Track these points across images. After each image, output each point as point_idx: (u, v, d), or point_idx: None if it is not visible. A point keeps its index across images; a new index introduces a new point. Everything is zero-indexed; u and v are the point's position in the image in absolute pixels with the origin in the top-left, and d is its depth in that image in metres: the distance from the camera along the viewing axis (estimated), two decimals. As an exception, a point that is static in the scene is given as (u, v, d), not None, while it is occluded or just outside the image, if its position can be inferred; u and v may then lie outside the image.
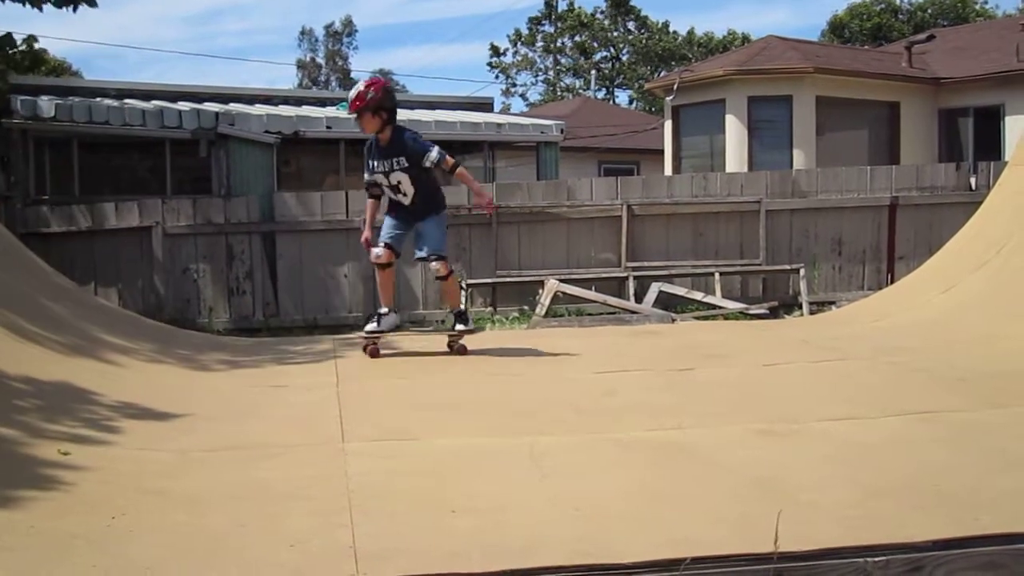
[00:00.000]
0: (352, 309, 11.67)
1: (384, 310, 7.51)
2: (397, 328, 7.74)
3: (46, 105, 12.92)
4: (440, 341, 7.73)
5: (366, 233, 7.61)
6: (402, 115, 16.17)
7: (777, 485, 3.91)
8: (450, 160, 7.18)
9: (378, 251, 7.38)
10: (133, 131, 13.46)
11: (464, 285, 11.55)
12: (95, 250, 11.44)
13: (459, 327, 7.52)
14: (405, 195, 7.28)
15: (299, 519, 3.59)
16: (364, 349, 7.47)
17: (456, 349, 7.55)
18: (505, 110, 46.64)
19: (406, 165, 7.17)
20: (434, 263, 7.40)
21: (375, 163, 7.30)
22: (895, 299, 9.09)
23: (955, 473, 4.02)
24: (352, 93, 7.22)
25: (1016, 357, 6.36)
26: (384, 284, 7.56)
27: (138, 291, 11.46)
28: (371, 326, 7.45)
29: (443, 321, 11.39)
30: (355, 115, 7.24)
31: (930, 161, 18.43)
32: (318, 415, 5.41)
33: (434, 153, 7.11)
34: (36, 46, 12.05)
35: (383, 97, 7.15)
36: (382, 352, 7.45)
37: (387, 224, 7.45)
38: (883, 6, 46.64)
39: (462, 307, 7.63)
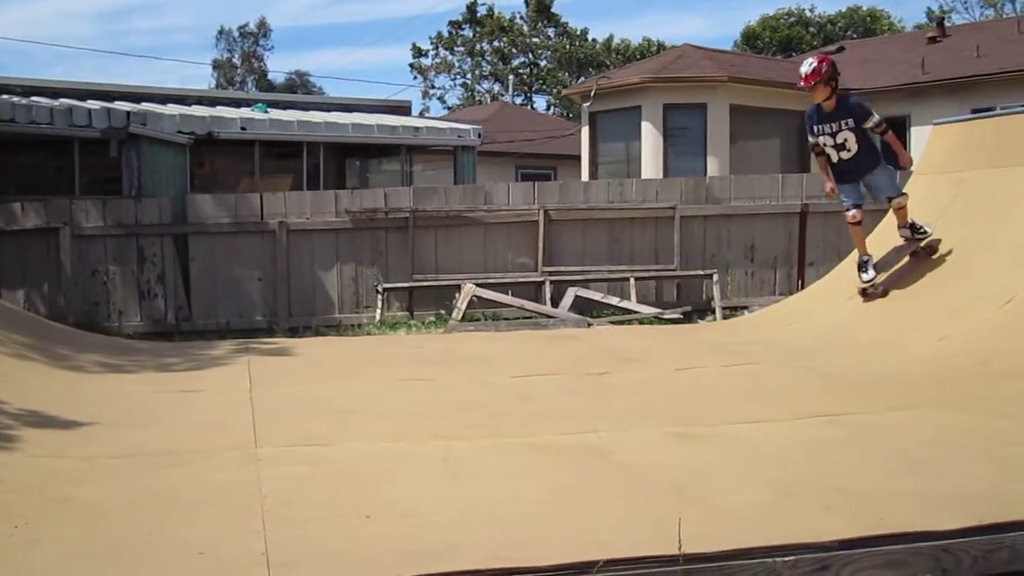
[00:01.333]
0: (266, 313, 11.53)
1: (867, 258, 8.44)
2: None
3: (-52, 102, 12.54)
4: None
5: (830, 185, 8.71)
6: (318, 117, 16.09)
7: (690, 488, 3.96)
8: (883, 125, 8.33)
9: (853, 212, 8.44)
10: (40, 129, 13.12)
11: (380, 290, 11.49)
12: (0, 252, 11.12)
13: (925, 230, 8.34)
14: (849, 151, 8.34)
15: (209, 526, 3.53)
16: (863, 293, 8.37)
17: (926, 247, 8.34)
18: (424, 112, 46.56)
19: (852, 125, 8.28)
20: (895, 200, 8.39)
21: (820, 127, 8.45)
22: (805, 304, 9.28)
23: (859, 474, 4.12)
24: (806, 68, 8.25)
25: (917, 361, 6.54)
26: (860, 237, 8.56)
27: (45, 294, 11.16)
28: (867, 275, 8.36)
29: (359, 326, 11.33)
30: (809, 87, 8.24)
31: (839, 170, 18.84)
32: (230, 420, 5.34)
33: (875, 117, 8.31)
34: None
35: (832, 70, 8.26)
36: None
37: (845, 191, 8.53)
38: (794, 19, 47.63)
39: (912, 221, 8.46)
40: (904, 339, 7.16)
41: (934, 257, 8.15)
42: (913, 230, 8.39)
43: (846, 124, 8.30)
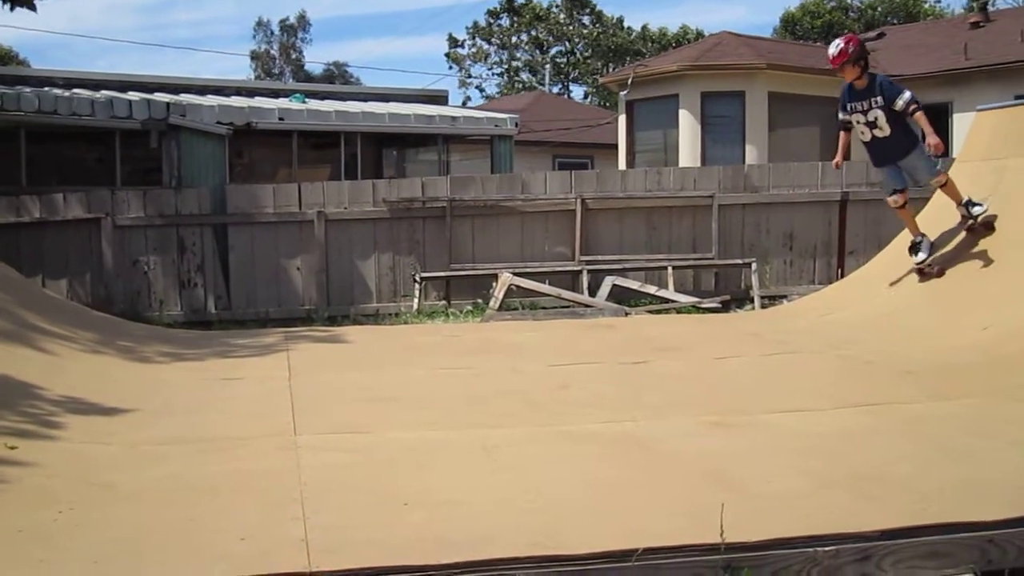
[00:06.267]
0: (304, 302, 11.59)
1: (919, 239, 8.40)
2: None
3: (-8, 94, 12.69)
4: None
5: (838, 159, 9.10)
6: (355, 107, 16.12)
7: (729, 476, 3.94)
8: (913, 104, 8.12)
9: (894, 197, 8.45)
10: (82, 121, 13.26)
11: (417, 279, 11.52)
12: (43, 241, 11.26)
13: (980, 204, 8.18)
14: (881, 129, 8.29)
15: (250, 512, 3.56)
16: (920, 273, 8.31)
17: (983, 224, 8.19)
18: (465, 102, 46.56)
19: (882, 104, 8.21)
20: (935, 179, 8.36)
21: (852, 105, 8.45)
22: (845, 293, 9.19)
23: (902, 464, 4.08)
24: (834, 50, 8.27)
25: (960, 351, 6.46)
26: (909, 219, 8.58)
27: (87, 283, 11.30)
28: (920, 256, 8.32)
29: (397, 315, 11.37)
30: (838, 68, 8.28)
31: (880, 157, 18.62)
32: (270, 408, 5.38)
33: (905, 96, 8.14)
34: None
35: (860, 49, 8.29)
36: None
37: (885, 175, 8.63)
38: (834, 4, 47.12)
39: (968, 198, 8.33)
40: (946, 328, 7.07)
41: (982, 239, 8.02)
42: (968, 207, 8.25)
43: (876, 103, 8.24)
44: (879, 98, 8.22)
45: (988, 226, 8.19)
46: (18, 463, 4.03)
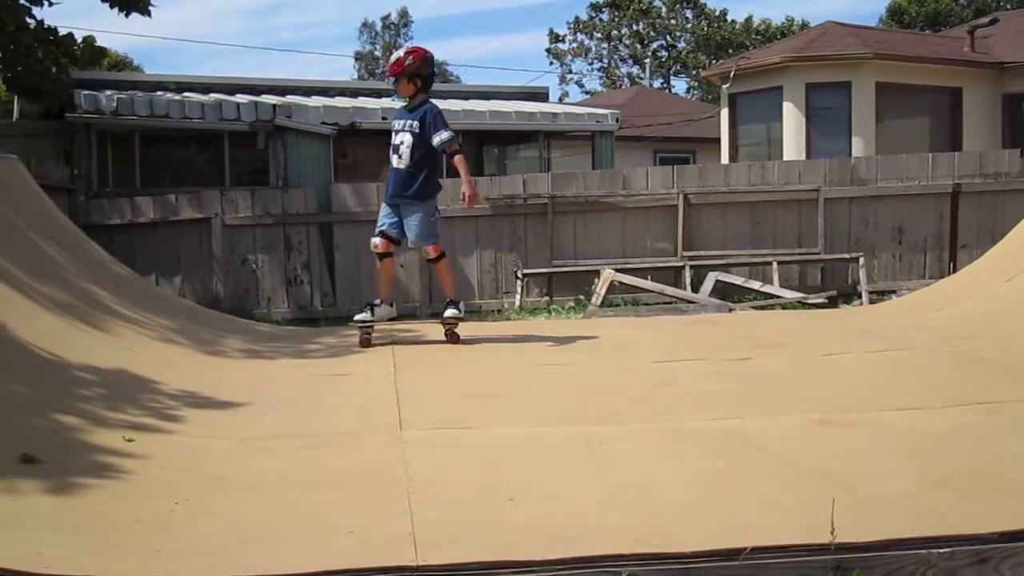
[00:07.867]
0: (408, 299, 11.73)
1: (377, 301, 7.74)
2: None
3: (108, 99, 13.13)
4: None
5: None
6: (456, 105, 16.23)
7: (837, 475, 3.87)
8: (454, 147, 7.30)
9: (375, 240, 7.59)
10: (192, 124, 13.64)
11: (519, 275, 11.55)
12: (156, 241, 11.61)
13: (449, 311, 7.62)
14: (400, 158, 7.41)
15: (358, 506, 3.62)
16: (360, 341, 7.58)
17: (451, 333, 7.67)
18: (563, 98, 46.58)
19: (416, 130, 7.32)
20: (425, 248, 7.57)
21: (396, 121, 7.54)
22: (957, 288, 8.93)
23: (1018, 464, 3.95)
24: (392, 58, 7.50)
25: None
26: (383, 273, 7.78)
27: (198, 281, 11.62)
28: (362, 315, 7.63)
29: (499, 311, 11.42)
30: (393, 78, 7.42)
31: (993, 147, 18.05)
32: (376, 404, 5.45)
33: (446, 135, 7.26)
34: (95, 44, 12.27)
35: (419, 66, 7.36)
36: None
37: (383, 211, 7.64)
38: (944, -10, 45.79)
39: (455, 295, 7.83)
40: (1066, 324, 6.82)
41: None
42: (450, 304, 7.59)
43: (411, 127, 7.33)
44: (416, 123, 7.31)
45: (455, 338, 7.54)
46: (135, 455, 4.16)
